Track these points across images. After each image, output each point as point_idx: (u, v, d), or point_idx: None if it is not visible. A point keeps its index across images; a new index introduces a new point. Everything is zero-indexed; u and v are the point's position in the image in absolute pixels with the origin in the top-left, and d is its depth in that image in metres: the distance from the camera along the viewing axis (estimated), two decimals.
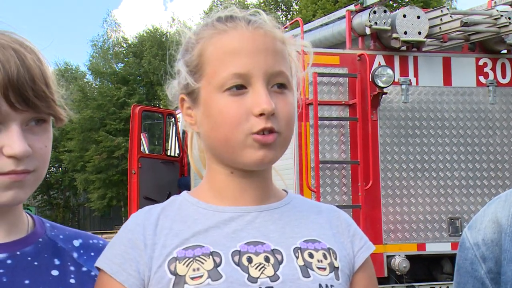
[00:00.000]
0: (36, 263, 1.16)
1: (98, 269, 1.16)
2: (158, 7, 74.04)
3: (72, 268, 1.20)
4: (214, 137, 1.15)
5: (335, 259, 1.18)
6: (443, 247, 5.86)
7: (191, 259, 1.12)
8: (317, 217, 1.24)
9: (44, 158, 1.11)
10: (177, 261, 1.12)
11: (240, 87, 1.12)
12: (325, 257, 1.17)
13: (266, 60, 1.13)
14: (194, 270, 1.10)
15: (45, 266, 1.17)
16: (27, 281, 1.13)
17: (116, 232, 1.22)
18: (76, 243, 1.25)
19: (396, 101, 5.92)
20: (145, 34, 38.55)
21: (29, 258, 1.16)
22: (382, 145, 5.85)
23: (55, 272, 1.17)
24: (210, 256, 1.12)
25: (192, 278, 1.10)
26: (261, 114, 1.10)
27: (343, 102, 5.78)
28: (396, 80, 5.78)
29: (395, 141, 5.90)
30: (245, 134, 1.11)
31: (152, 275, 1.12)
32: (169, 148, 9.22)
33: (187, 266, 1.11)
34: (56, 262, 1.20)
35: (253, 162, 1.13)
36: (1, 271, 1.12)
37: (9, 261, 1.13)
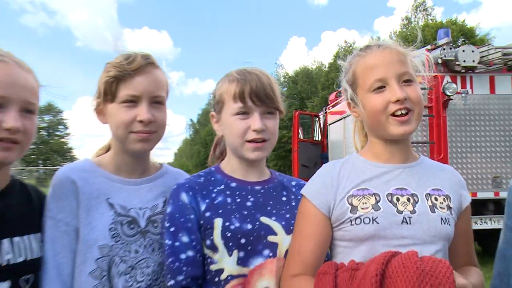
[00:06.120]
0: (274, 193, 1.55)
1: (302, 195, 1.54)
2: None
3: (292, 196, 1.62)
4: (371, 121, 1.49)
5: (450, 202, 1.48)
6: (489, 194, 7.23)
7: (361, 196, 1.44)
8: (440, 173, 1.54)
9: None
10: (353, 197, 1.45)
11: (380, 87, 1.45)
12: (444, 200, 1.47)
13: (394, 66, 1.45)
14: (363, 203, 1.43)
15: (279, 195, 1.57)
16: (271, 202, 1.56)
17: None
18: (294, 183, 1.67)
19: (459, 104, 7.37)
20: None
21: (271, 190, 1.55)
22: (449, 132, 7.36)
23: (284, 198, 1.59)
24: (373, 196, 1.43)
25: (362, 208, 1.43)
26: (397, 101, 1.41)
27: (424, 105, 6.86)
28: (458, 91, 7.25)
29: (458, 129, 7.37)
30: (386, 116, 1.44)
31: (336, 204, 1.47)
32: (315, 135, 11.92)
33: (358, 200, 1.44)
34: (284, 193, 1.59)
35: (398, 134, 1.44)
36: (259, 195, 1.53)
37: (262, 191, 1.55)
